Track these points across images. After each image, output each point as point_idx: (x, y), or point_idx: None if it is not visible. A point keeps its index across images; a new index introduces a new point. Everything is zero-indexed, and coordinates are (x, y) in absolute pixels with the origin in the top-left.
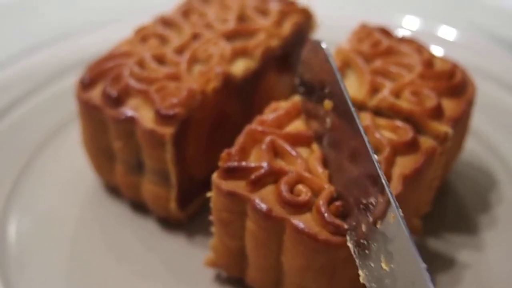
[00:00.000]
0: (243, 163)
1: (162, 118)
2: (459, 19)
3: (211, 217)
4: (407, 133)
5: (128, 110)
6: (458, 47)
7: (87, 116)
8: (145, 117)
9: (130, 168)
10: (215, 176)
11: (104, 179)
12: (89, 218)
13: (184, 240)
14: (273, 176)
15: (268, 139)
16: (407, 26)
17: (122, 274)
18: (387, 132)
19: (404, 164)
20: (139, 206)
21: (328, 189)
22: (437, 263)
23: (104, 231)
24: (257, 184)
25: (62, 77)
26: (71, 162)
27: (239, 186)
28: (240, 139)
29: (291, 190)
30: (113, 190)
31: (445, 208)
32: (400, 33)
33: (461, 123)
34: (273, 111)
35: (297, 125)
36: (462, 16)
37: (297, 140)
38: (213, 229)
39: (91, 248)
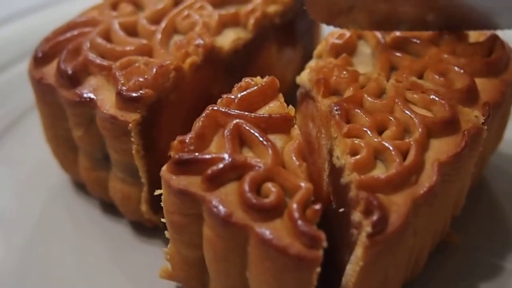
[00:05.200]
0: (198, 154)
1: (125, 101)
2: None
3: (163, 220)
4: (445, 109)
5: (85, 91)
6: None
7: (42, 98)
8: (106, 99)
9: (94, 162)
10: (164, 170)
11: (69, 173)
12: (50, 221)
13: (160, 249)
14: (236, 171)
15: (232, 123)
16: None
17: None
18: (419, 109)
19: (440, 148)
20: (111, 207)
21: (305, 188)
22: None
23: (67, 237)
24: (215, 181)
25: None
26: (35, 154)
27: (193, 183)
28: (198, 123)
29: (258, 189)
30: (82, 187)
31: (477, 209)
32: None
33: (500, 108)
34: (243, 89)
35: (273, 108)
36: None
37: (271, 125)
38: (168, 234)
39: (51, 256)
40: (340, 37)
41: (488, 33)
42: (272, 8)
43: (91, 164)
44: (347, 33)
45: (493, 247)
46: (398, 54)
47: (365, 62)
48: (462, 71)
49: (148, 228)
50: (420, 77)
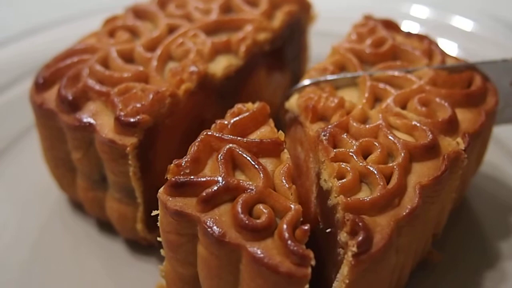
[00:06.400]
0: (193, 177)
1: (123, 126)
2: (474, 8)
3: (159, 239)
4: (426, 134)
5: (85, 116)
6: (474, 39)
7: (42, 121)
8: (105, 124)
9: (92, 182)
10: (161, 192)
11: (67, 193)
12: (49, 239)
13: (155, 266)
14: (229, 193)
15: (226, 148)
16: (417, 15)
17: None
18: (401, 134)
19: (421, 172)
20: (107, 225)
21: (294, 209)
22: None
23: (65, 255)
24: (210, 202)
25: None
26: (33, 174)
27: (188, 205)
28: (193, 148)
29: (250, 210)
30: (79, 207)
31: (458, 228)
32: (409, 24)
33: (479, 137)
34: (236, 115)
35: (264, 132)
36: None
37: (262, 149)
38: (163, 252)
39: (49, 273)
40: (324, 71)
41: (468, 64)
42: (262, 36)
43: (88, 185)
44: (330, 67)
45: (473, 265)
46: (381, 86)
47: (350, 93)
48: (443, 102)
49: (143, 246)
50: (404, 107)
